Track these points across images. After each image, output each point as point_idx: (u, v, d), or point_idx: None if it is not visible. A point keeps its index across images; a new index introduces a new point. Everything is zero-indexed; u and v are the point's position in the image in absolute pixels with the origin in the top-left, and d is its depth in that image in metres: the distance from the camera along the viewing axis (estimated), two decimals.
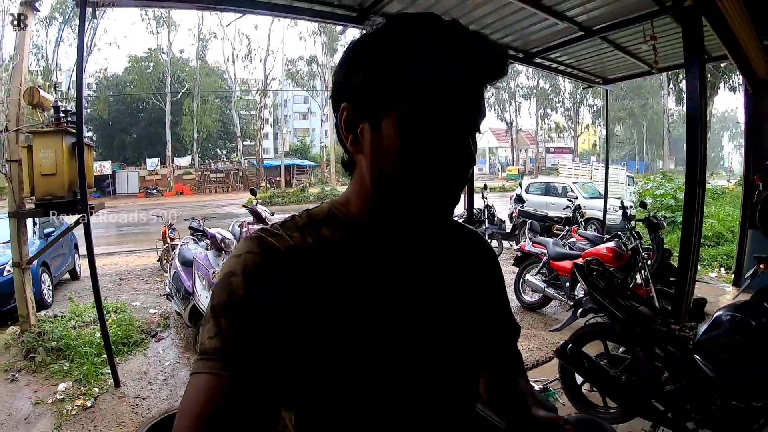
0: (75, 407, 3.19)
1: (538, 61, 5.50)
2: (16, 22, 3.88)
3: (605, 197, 8.44)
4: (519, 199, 9.85)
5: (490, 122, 36.97)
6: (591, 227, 9.03)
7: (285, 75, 34.27)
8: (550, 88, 37.81)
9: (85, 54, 3.70)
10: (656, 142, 40.15)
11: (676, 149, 37.91)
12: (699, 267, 5.51)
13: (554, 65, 5.86)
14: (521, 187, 12.50)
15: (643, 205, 5.26)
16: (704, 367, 2.19)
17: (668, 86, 26.93)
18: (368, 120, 0.61)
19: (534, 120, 40.42)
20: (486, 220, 8.66)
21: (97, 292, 3.48)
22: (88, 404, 3.23)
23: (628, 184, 14.58)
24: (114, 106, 32.36)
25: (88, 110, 27.98)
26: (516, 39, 4.94)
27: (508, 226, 9.27)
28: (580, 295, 3.91)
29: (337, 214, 0.66)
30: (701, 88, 3.18)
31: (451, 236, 0.75)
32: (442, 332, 0.67)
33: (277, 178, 30.93)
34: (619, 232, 5.00)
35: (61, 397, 3.31)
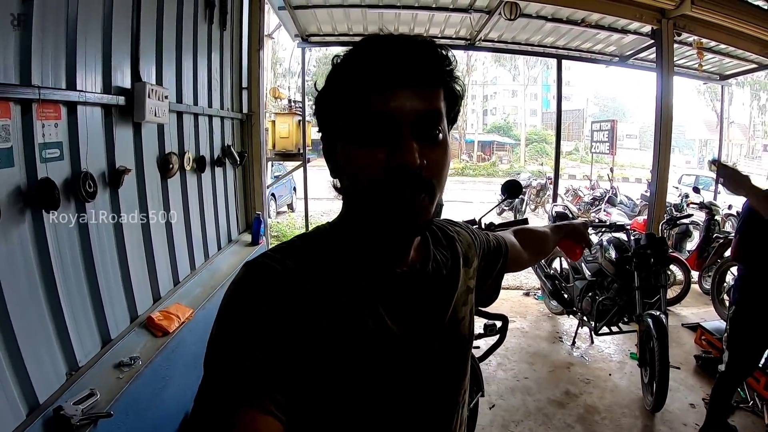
0: None
1: (634, 62, 6.28)
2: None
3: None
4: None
5: (703, 112, 30.33)
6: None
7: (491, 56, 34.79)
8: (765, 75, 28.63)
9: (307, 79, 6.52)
10: None
11: None
12: None
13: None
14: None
15: (696, 190, 5.86)
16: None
17: None
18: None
19: (747, 111, 31.73)
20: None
21: (306, 203, 6.24)
22: None
23: None
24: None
25: (308, 82, 34.82)
26: (607, 46, 5.99)
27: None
28: None
29: (331, 237, 0.69)
30: None
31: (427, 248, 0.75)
32: (428, 364, 0.68)
33: (478, 153, 32.07)
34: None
35: None
